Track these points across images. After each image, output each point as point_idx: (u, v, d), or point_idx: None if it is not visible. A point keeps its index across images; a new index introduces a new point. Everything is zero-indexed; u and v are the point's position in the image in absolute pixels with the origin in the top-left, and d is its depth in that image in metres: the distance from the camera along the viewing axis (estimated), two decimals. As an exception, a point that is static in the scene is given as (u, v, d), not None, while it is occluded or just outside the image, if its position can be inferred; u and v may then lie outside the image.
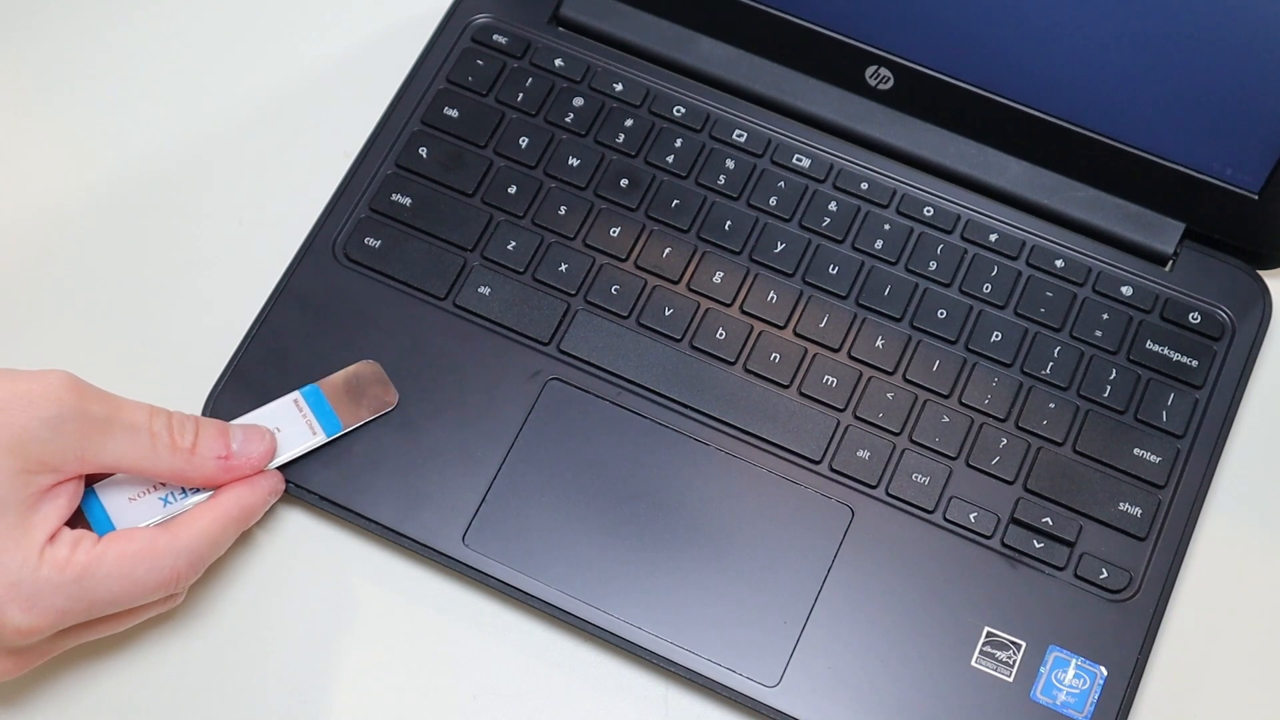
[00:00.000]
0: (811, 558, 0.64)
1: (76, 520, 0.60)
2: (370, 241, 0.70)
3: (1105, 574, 0.64)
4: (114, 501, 0.60)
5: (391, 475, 0.65)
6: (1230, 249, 0.71)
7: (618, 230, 0.70)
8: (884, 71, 0.71)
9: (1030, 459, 0.66)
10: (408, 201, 0.70)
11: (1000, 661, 0.63)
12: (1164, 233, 0.71)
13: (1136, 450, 0.67)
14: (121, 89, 0.75)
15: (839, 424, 0.67)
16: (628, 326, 0.68)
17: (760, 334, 0.68)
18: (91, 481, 0.60)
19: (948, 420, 0.67)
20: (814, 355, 0.68)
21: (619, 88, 0.73)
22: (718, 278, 0.69)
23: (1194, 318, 0.69)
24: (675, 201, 0.71)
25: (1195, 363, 0.68)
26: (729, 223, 0.70)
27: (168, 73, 0.76)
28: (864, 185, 0.71)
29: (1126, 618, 0.64)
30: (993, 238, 0.70)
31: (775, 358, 0.68)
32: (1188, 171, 0.69)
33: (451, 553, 0.64)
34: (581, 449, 0.66)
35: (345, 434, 0.65)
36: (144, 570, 0.57)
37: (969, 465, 0.66)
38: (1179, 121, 0.67)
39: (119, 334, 0.70)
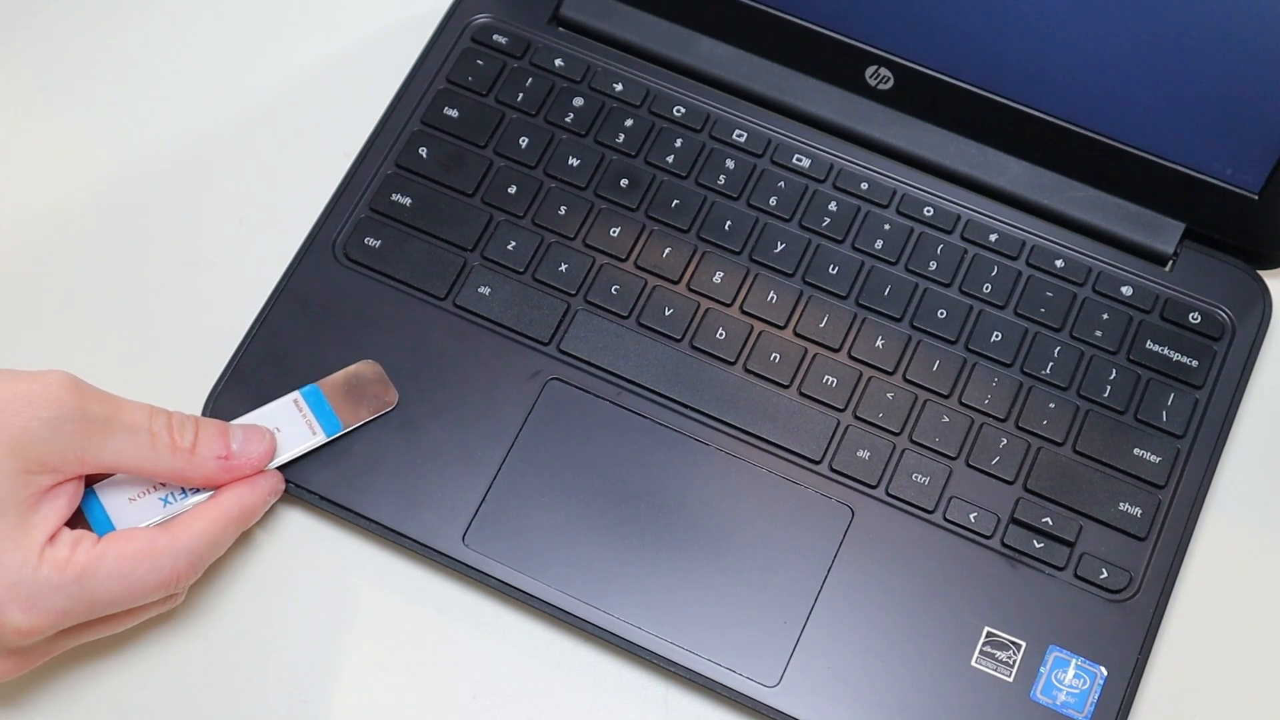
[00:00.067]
0: (811, 558, 0.64)
1: (76, 521, 0.60)
2: (370, 241, 0.70)
3: (1105, 574, 0.64)
4: (114, 502, 0.60)
5: (391, 475, 0.65)
6: (1230, 249, 0.71)
7: (618, 230, 0.70)
8: (884, 71, 0.71)
9: (1030, 459, 0.66)
10: (408, 201, 0.70)
11: (1000, 661, 0.63)
12: (1164, 233, 0.71)
13: (1136, 450, 0.67)
14: (121, 89, 0.75)
15: (839, 424, 0.67)
16: (628, 326, 0.68)
17: (760, 334, 0.68)
18: (91, 482, 0.60)
19: (948, 420, 0.67)
20: (814, 355, 0.68)
21: (619, 88, 0.73)
22: (718, 278, 0.69)
23: (1194, 318, 0.69)
24: (675, 201, 0.71)
25: (1195, 363, 0.68)
26: (729, 223, 0.70)
27: (168, 73, 0.76)
28: (864, 185, 0.71)
29: (1126, 618, 0.64)
30: (993, 238, 0.70)
31: (775, 358, 0.68)
32: (1188, 171, 0.69)
33: (451, 553, 0.64)
34: (581, 449, 0.66)
35: (345, 434, 0.65)
36: (144, 570, 0.57)
37: (969, 465, 0.66)
38: (1179, 121, 0.67)
39: (119, 334, 0.70)
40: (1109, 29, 0.65)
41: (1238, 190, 0.69)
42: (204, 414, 0.66)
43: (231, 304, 0.69)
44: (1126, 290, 0.70)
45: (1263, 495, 0.68)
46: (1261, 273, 0.71)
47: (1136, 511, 0.65)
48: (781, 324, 0.69)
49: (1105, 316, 0.69)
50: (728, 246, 0.70)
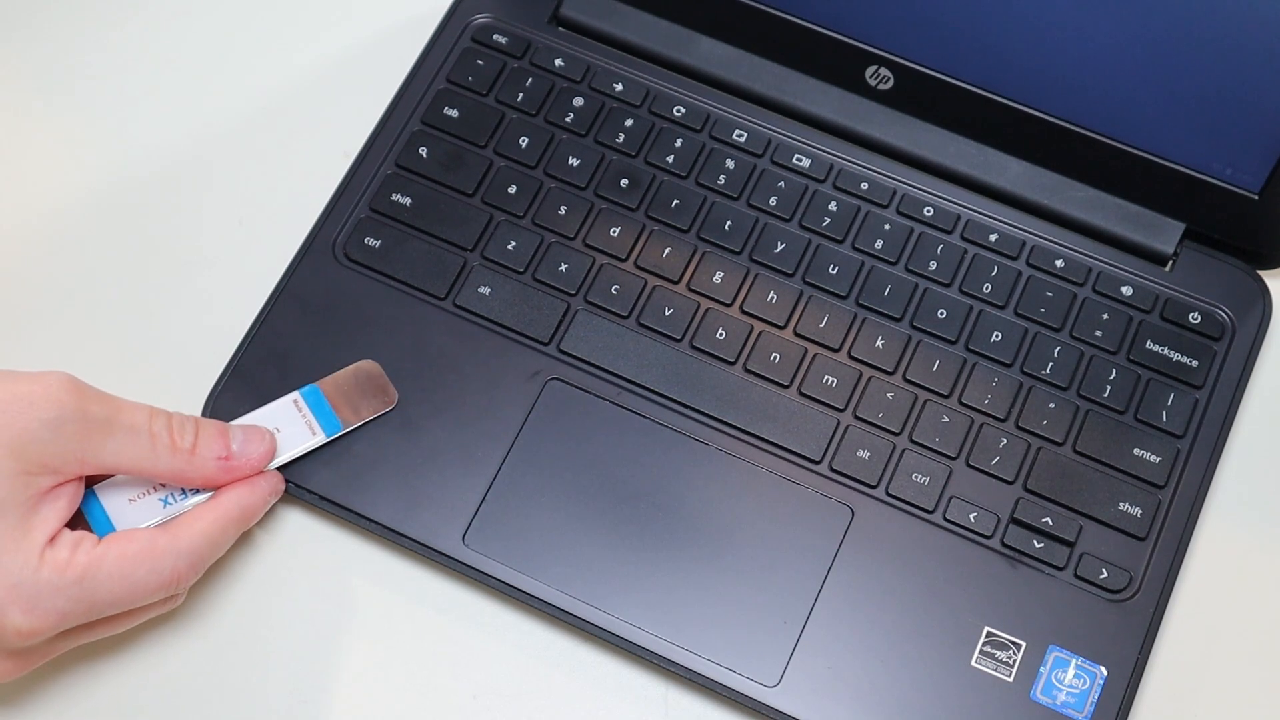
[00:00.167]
0: (811, 558, 0.64)
1: (76, 522, 0.60)
2: (370, 241, 0.70)
3: (1105, 574, 0.64)
4: (114, 502, 0.60)
5: (391, 475, 0.65)
6: (1230, 249, 0.71)
7: (618, 230, 0.70)
8: (884, 71, 0.71)
9: (1030, 459, 0.66)
10: (408, 201, 0.70)
11: (1000, 661, 0.63)
12: (1164, 233, 0.71)
13: (1136, 450, 0.67)
14: (121, 89, 0.75)
15: (839, 424, 0.67)
16: (628, 326, 0.68)
17: (760, 334, 0.68)
18: (91, 483, 0.60)
19: (948, 420, 0.67)
20: (814, 355, 0.68)
21: (619, 88, 0.73)
22: (718, 278, 0.69)
23: (1194, 318, 0.69)
24: (675, 201, 0.71)
25: (1195, 363, 0.68)
26: (729, 223, 0.70)
27: (168, 73, 0.76)
28: (864, 185, 0.71)
29: (1126, 618, 0.64)
30: (993, 238, 0.70)
31: (775, 358, 0.68)
32: (1188, 171, 0.69)
33: (451, 553, 0.64)
34: (581, 449, 0.66)
35: (345, 434, 0.65)
36: (144, 571, 0.57)
37: (969, 465, 0.66)
38: (1179, 121, 0.67)
39: (119, 334, 0.70)
40: (1109, 29, 0.65)
41: (1238, 190, 0.69)
42: (204, 414, 0.66)
43: (231, 304, 0.69)
44: (1126, 290, 0.70)
45: (1263, 495, 0.68)
46: (1261, 273, 0.71)
47: (1136, 511, 0.65)
48: (781, 324, 0.69)
49: (1105, 316, 0.69)
50: (728, 246, 0.70)
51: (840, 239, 0.70)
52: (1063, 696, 0.63)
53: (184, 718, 0.63)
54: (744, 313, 0.69)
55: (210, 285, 0.71)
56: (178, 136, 0.74)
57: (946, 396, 0.67)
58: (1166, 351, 0.69)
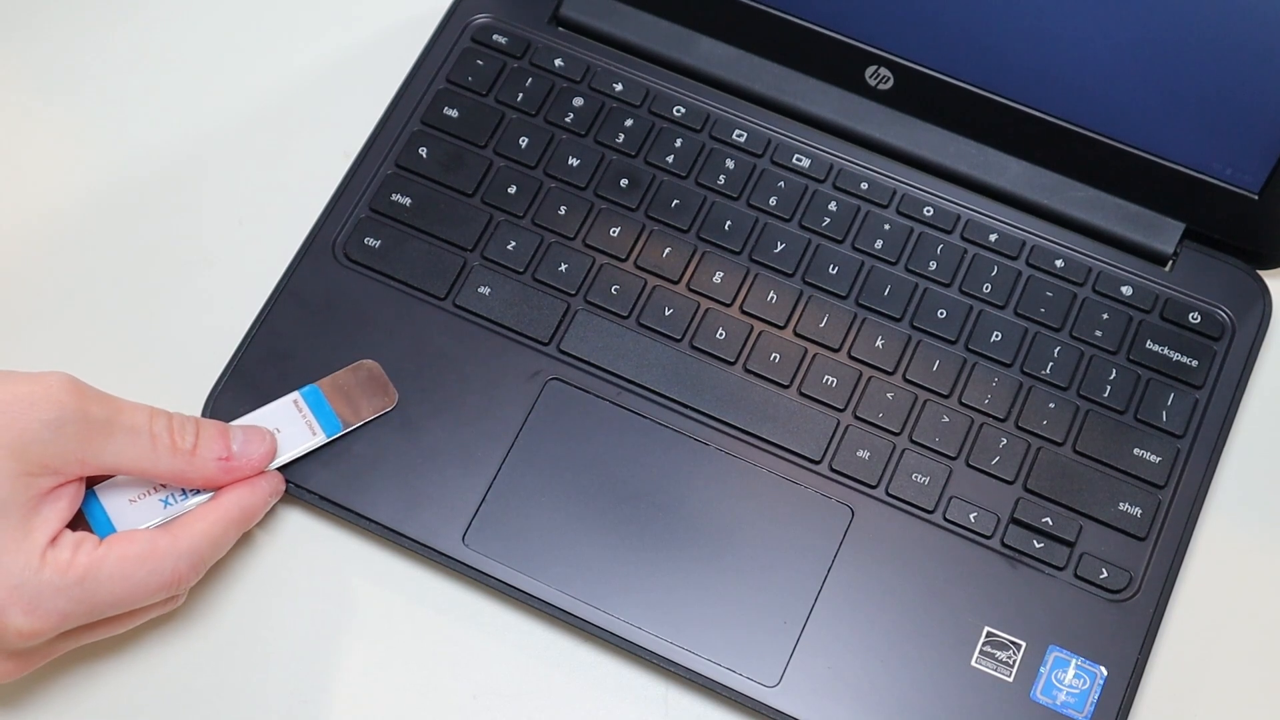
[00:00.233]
0: (811, 558, 0.64)
1: (77, 522, 0.60)
2: (370, 241, 0.70)
3: (1105, 574, 0.64)
4: (114, 503, 0.60)
5: (391, 475, 0.65)
6: (1230, 249, 0.71)
7: (618, 230, 0.70)
8: (884, 71, 0.71)
9: (1030, 459, 0.66)
10: (408, 201, 0.70)
11: (1000, 661, 0.63)
12: (1164, 233, 0.71)
13: (1136, 450, 0.67)
14: (121, 89, 0.75)
15: (839, 424, 0.67)
16: (628, 326, 0.68)
17: (760, 334, 0.68)
18: (92, 483, 0.60)
19: (948, 420, 0.67)
20: (814, 355, 0.68)
21: (619, 88, 0.73)
22: (718, 278, 0.69)
23: (1194, 318, 0.69)
24: (675, 201, 0.71)
25: (1195, 363, 0.68)
26: (729, 223, 0.70)
27: (168, 73, 0.76)
28: (864, 185, 0.71)
29: (1126, 618, 0.64)
30: (993, 238, 0.70)
31: (775, 358, 0.68)
32: (1188, 171, 0.69)
33: (451, 553, 0.64)
34: (581, 449, 0.66)
35: (345, 434, 0.65)
36: (145, 572, 0.57)
37: (969, 465, 0.66)
38: (1179, 121, 0.67)
39: (119, 334, 0.70)
40: (1109, 29, 0.65)
41: (1238, 190, 0.69)
42: (204, 414, 0.66)
43: (231, 304, 0.69)
44: (1126, 290, 0.70)
45: (1263, 495, 0.68)
46: (1261, 273, 0.71)
47: (1136, 511, 0.65)
48: (781, 324, 0.69)
49: (1105, 316, 0.69)
50: (728, 246, 0.70)
51: (840, 239, 0.70)
52: (1063, 696, 0.63)
53: (184, 718, 0.63)
54: (744, 313, 0.69)
55: (210, 285, 0.71)
56: (178, 136, 0.74)
57: (946, 396, 0.67)
58: (1166, 351, 0.69)
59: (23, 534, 0.55)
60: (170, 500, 0.61)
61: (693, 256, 0.70)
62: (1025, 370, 0.68)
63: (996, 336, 0.69)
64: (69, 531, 0.57)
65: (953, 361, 0.68)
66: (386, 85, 0.73)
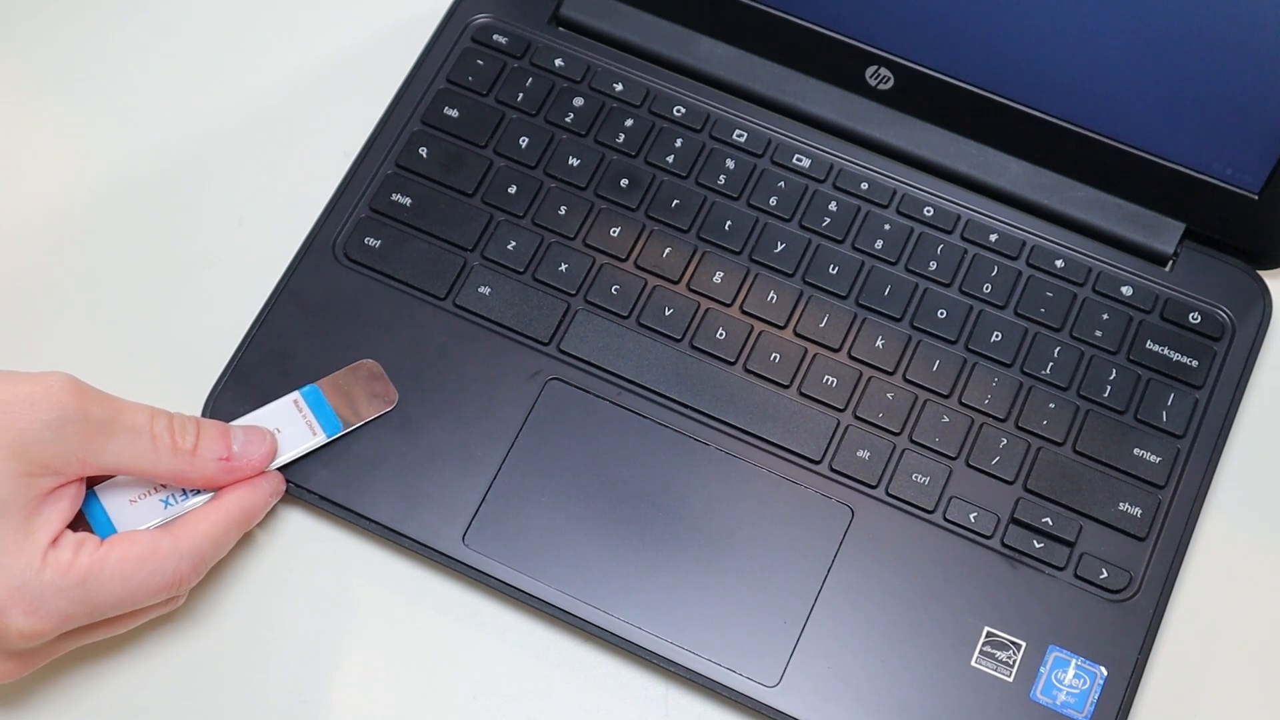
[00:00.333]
0: (811, 558, 0.64)
1: (77, 523, 0.60)
2: (370, 241, 0.70)
3: (1105, 574, 0.64)
4: (115, 503, 0.60)
5: (391, 475, 0.65)
6: (1230, 249, 0.71)
7: (618, 230, 0.70)
8: (884, 71, 0.71)
9: (1030, 459, 0.66)
10: (408, 201, 0.70)
11: (1000, 661, 0.63)
12: (1164, 233, 0.71)
13: (1136, 450, 0.67)
14: (121, 89, 0.75)
15: (839, 424, 0.67)
16: (628, 326, 0.68)
17: (760, 334, 0.68)
18: (92, 484, 0.60)
19: (948, 420, 0.67)
20: (814, 355, 0.68)
21: (619, 88, 0.73)
22: (718, 278, 0.69)
23: (1194, 318, 0.69)
24: (675, 201, 0.71)
25: (1195, 363, 0.68)
26: (729, 223, 0.70)
27: (168, 73, 0.76)
28: (864, 185, 0.71)
29: (1126, 618, 0.64)
30: (993, 238, 0.71)
31: (775, 358, 0.68)
32: (1188, 171, 0.69)
33: (451, 553, 0.64)
34: (581, 449, 0.66)
35: (345, 434, 0.65)
36: (146, 573, 0.57)
37: (969, 465, 0.66)
38: (1179, 121, 0.67)
39: (119, 334, 0.70)
40: (1109, 29, 0.65)
41: (1238, 190, 0.69)
42: (204, 414, 0.66)
43: (231, 304, 0.69)
44: (1126, 290, 0.70)
45: (1263, 495, 0.68)
46: (1261, 273, 0.71)
47: (1136, 511, 0.65)
48: (781, 324, 0.69)
49: (1105, 316, 0.69)
50: (728, 246, 0.70)
51: (840, 239, 0.70)
52: (1063, 696, 0.63)
53: (185, 718, 0.63)
54: (744, 313, 0.69)
55: (210, 285, 0.71)
56: (178, 136, 0.74)
57: (946, 396, 0.68)
58: (1166, 351, 0.69)
59: (24, 535, 0.55)
60: (171, 501, 0.61)
61: (693, 256, 0.70)
62: (1025, 370, 0.68)
63: (996, 336, 0.69)
64: (70, 532, 0.57)
65: (953, 361, 0.68)
66: (386, 85, 0.73)
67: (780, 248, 0.70)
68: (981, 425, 0.67)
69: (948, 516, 0.65)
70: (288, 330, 0.68)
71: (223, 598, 0.65)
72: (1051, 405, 0.67)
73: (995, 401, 0.67)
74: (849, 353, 0.68)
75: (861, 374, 0.68)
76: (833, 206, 0.71)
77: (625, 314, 0.68)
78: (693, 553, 0.64)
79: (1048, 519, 0.65)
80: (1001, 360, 0.68)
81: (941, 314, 0.69)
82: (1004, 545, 0.65)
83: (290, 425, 0.64)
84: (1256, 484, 0.69)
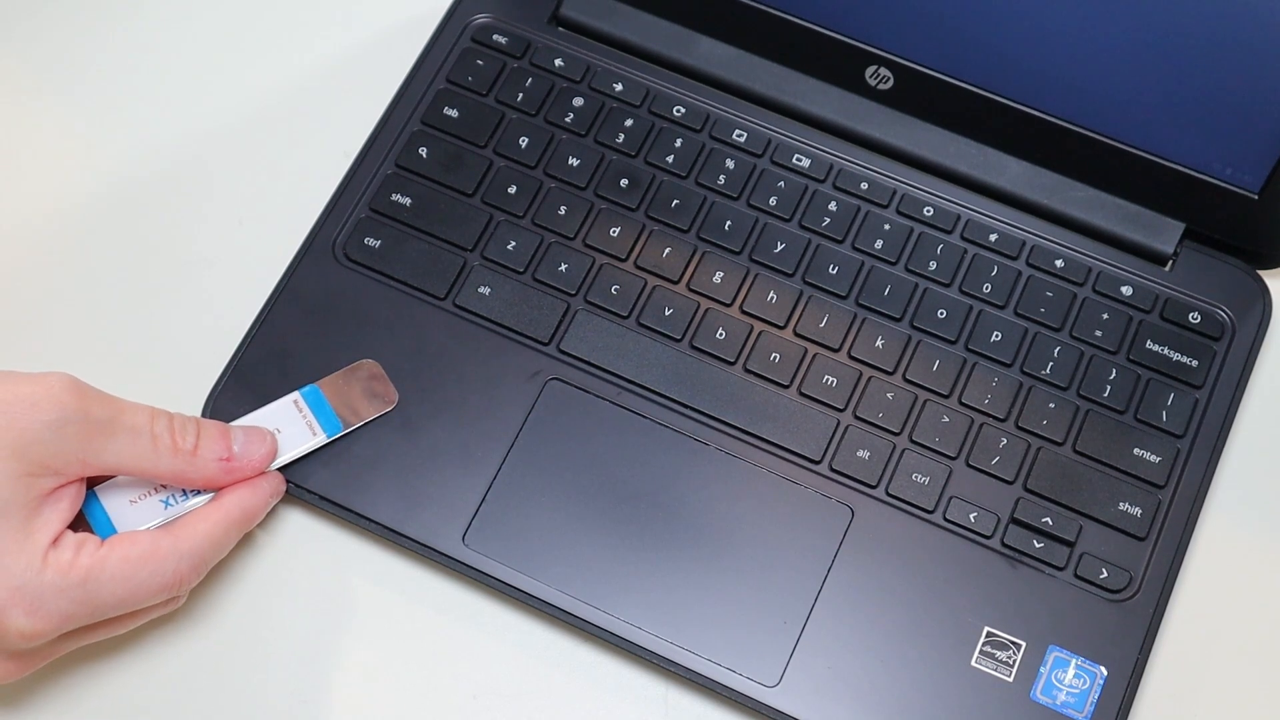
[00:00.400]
0: (811, 558, 0.64)
1: (78, 523, 0.60)
2: (370, 241, 0.70)
3: (1105, 574, 0.64)
4: (115, 504, 0.60)
5: (391, 475, 0.65)
6: (1230, 249, 0.71)
7: (618, 230, 0.70)
8: (884, 71, 0.71)
9: (1030, 459, 0.66)
10: (408, 201, 0.70)
11: (1000, 661, 0.63)
12: (1164, 233, 0.71)
13: (1136, 450, 0.67)
14: (122, 89, 0.75)
15: (839, 424, 0.67)
16: (628, 326, 0.68)
17: (760, 334, 0.68)
18: (92, 484, 0.60)
19: (948, 420, 0.67)
20: (814, 355, 0.68)
21: (619, 88, 0.73)
22: (718, 278, 0.69)
23: (1194, 318, 0.69)
24: (675, 201, 0.71)
25: (1195, 363, 0.68)
26: (729, 223, 0.70)
27: (168, 73, 0.76)
28: (864, 185, 0.71)
29: (1126, 618, 0.64)
30: (993, 238, 0.71)
31: (775, 358, 0.68)
32: (1188, 171, 0.69)
33: (451, 553, 0.64)
34: (581, 449, 0.66)
35: (345, 434, 0.65)
36: (147, 573, 0.57)
37: (969, 465, 0.66)
38: (1179, 121, 0.67)
39: (119, 334, 0.70)
40: (1109, 29, 0.65)
41: (1238, 190, 0.69)
42: (204, 414, 0.66)
43: (231, 304, 0.69)
44: (1126, 290, 0.70)
45: (1263, 495, 0.68)
46: (1261, 273, 0.71)
47: (1136, 511, 0.65)
48: (781, 324, 0.69)
49: (1105, 316, 0.69)
50: (728, 246, 0.70)
51: (840, 239, 0.70)
52: (1063, 696, 0.63)
53: (185, 718, 0.63)
54: (744, 313, 0.69)
55: (210, 285, 0.71)
56: (178, 136, 0.74)
57: (946, 396, 0.68)
58: (1166, 351, 0.69)
59: (24, 535, 0.55)
60: (171, 501, 0.61)
61: (693, 256, 0.70)
62: (1025, 370, 0.68)
63: (996, 336, 0.69)
64: (70, 532, 0.57)
65: (953, 361, 0.68)
66: (386, 85, 0.73)
67: (780, 248, 0.70)
68: (981, 425, 0.67)
69: (948, 516, 0.65)
70: (288, 330, 0.68)
71: (223, 598, 0.65)
72: (1051, 405, 0.67)
73: (995, 401, 0.67)
74: (849, 353, 0.68)
75: (861, 374, 0.68)
76: (833, 206, 0.71)
77: (625, 314, 0.68)
78: (693, 553, 0.64)
79: (1048, 519, 0.65)
80: (1001, 360, 0.68)
81: (941, 314, 0.69)
82: (1004, 545, 0.65)
83: (290, 425, 0.64)
84: (1256, 484, 0.69)
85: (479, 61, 0.73)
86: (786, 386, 0.67)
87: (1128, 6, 0.64)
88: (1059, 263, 0.70)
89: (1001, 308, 0.69)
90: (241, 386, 0.66)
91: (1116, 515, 0.65)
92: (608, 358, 0.68)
